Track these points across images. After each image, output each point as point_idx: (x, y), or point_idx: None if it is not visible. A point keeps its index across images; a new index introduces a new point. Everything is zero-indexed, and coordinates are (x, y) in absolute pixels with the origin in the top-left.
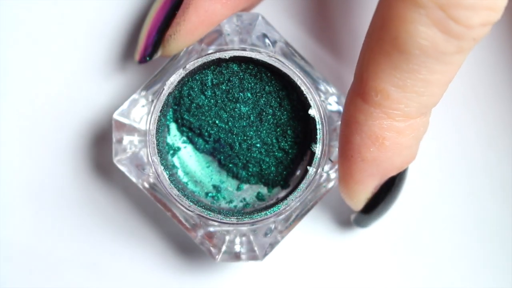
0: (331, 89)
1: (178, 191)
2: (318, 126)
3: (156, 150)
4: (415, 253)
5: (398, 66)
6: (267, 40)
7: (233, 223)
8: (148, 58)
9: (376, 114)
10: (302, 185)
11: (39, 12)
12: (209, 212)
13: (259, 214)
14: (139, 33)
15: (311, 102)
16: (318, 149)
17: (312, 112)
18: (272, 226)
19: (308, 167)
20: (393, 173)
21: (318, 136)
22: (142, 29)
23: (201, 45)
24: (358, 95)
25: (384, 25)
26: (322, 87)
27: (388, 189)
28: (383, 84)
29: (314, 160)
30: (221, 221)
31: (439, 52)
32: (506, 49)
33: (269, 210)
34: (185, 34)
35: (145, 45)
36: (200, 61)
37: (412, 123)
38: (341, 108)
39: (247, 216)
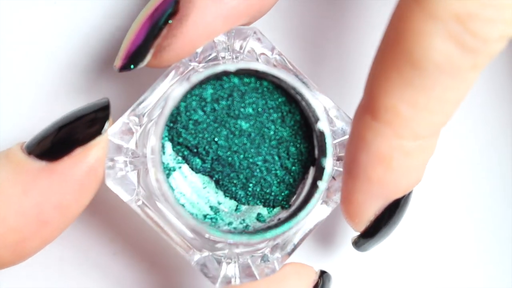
0: (330, 104)
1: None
2: (328, 140)
3: (161, 169)
4: (417, 254)
5: (411, 82)
6: (263, 56)
7: (248, 244)
8: (132, 66)
9: (385, 132)
10: (314, 200)
11: (36, 12)
12: (220, 233)
13: (275, 229)
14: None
15: (320, 115)
16: (328, 163)
17: (321, 125)
18: (269, 254)
19: (318, 181)
20: (397, 195)
21: (328, 150)
22: (126, 35)
23: (193, 62)
24: (367, 111)
25: (397, 39)
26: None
27: (391, 213)
28: (393, 101)
29: (324, 175)
30: (235, 243)
31: (454, 67)
32: (506, 49)
33: (283, 226)
34: (181, 46)
35: (129, 52)
36: (205, 74)
37: (421, 143)
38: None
39: (259, 234)
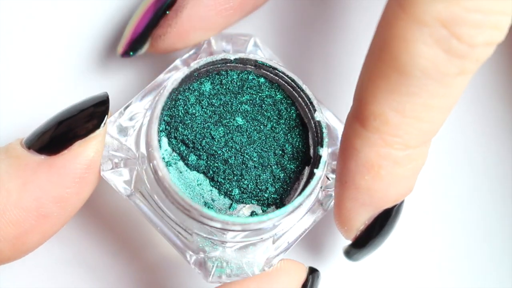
0: (326, 111)
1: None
2: (325, 130)
3: (158, 147)
4: (409, 262)
5: (398, 89)
6: None
7: (243, 227)
8: (131, 53)
9: (373, 140)
10: (310, 187)
11: (36, 11)
12: (216, 213)
13: (272, 213)
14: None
15: (317, 107)
16: (324, 152)
17: (318, 115)
18: (260, 257)
19: (315, 169)
20: (387, 205)
21: (324, 140)
22: (129, 22)
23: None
24: (357, 119)
25: (384, 46)
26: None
27: (382, 223)
28: (382, 108)
29: (320, 163)
30: (232, 223)
31: (440, 73)
32: (506, 49)
33: (279, 210)
34: (176, 37)
35: (130, 39)
36: (204, 61)
37: (410, 153)
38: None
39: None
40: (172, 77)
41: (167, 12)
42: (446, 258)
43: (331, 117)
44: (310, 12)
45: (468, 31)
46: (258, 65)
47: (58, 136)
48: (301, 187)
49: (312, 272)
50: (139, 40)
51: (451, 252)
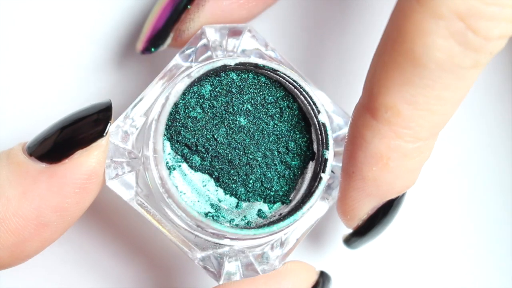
0: (326, 100)
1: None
2: (329, 132)
3: (165, 165)
4: (410, 253)
5: (411, 81)
6: (257, 52)
7: (253, 238)
8: (153, 49)
9: (384, 132)
10: (318, 192)
11: (36, 15)
12: (226, 227)
13: (281, 222)
14: (143, 24)
15: (321, 108)
16: (330, 154)
17: (322, 117)
18: (269, 251)
19: (321, 174)
20: (391, 196)
21: (330, 142)
22: (147, 18)
23: (187, 62)
24: (367, 110)
25: (399, 37)
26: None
27: (384, 213)
28: (394, 100)
29: (326, 167)
30: (242, 237)
31: (455, 66)
32: (506, 49)
33: (289, 218)
34: (198, 30)
35: (150, 35)
36: (205, 68)
37: (420, 145)
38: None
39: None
40: (174, 89)
41: (188, 7)
42: (444, 247)
43: (329, 104)
44: (313, 4)
45: (485, 24)
46: (259, 67)
47: (61, 142)
48: (306, 182)
49: (323, 274)
50: (160, 36)
51: (449, 241)
